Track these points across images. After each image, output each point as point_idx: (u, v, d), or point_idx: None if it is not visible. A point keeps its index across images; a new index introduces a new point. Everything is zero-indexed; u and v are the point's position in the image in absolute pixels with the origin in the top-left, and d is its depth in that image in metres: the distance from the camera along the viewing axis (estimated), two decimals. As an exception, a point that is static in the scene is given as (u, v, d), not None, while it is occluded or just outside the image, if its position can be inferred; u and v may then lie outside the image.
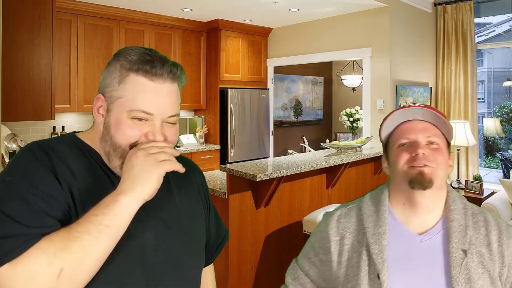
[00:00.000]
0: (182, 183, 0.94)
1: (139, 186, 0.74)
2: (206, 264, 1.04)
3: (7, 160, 2.77)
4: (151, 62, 0.79)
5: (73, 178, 0.76)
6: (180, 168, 0.79)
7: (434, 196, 0.98)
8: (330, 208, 2.86)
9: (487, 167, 7.23)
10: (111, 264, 0.74)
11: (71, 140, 0.85)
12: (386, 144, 1.07)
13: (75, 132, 0.89)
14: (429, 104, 4.94)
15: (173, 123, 0.84)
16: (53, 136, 0.88)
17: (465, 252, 0.93)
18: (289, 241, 2.97)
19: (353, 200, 1.11)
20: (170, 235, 0.85)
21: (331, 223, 1.06)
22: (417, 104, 1.01)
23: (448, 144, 1.02)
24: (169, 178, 0.89)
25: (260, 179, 2.40)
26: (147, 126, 0.80)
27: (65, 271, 0.66)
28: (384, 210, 1.00)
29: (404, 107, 1.02)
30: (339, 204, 3.03)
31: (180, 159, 1.00)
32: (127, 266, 0.77)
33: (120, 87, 0.80)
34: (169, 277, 0.83)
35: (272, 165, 2.77)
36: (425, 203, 0.97)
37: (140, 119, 0.79)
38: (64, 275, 0.66)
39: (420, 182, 0.94)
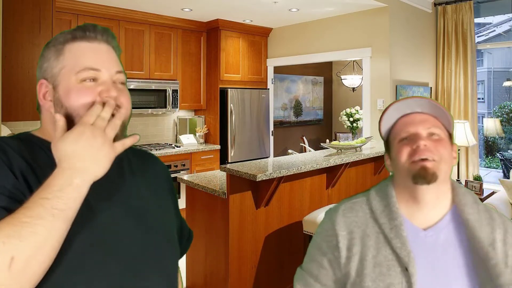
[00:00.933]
0: (148, 174, 0.93)
1: (92, 167, 0.70)
2: None
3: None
4: (83, 28, 0.82)
5: (30, 170, 0.74)
6: (133, 140, 0.77)
7: (438, 191, 0.95)
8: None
9: (487, 167, 7.23)
10: (82, 255, 0.71)
11: (26, 136, 0.83)
12: (387, 141, 1.05)
13: (29, 131, 0.88)
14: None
15: (123, 84, 0.83)
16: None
17: (481, 249, 0.91)
18: (289, 241, 2.97)
19: (356, 195, 1.08)
20: (143, 224, 0.82)
21: (337, 219, 1.02)
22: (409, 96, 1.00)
23: (450, 135, 1.00)
24: (134, 169, 0.88)
25: (260, 179, 2.40)
26: (98, 86, 0.78)
27: (17, 260, 0.60)
28: (394, 202, 0.98)
29: (401, 99, 1.00)
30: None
31: (143, 152, 1.00)
32: (100, 257, 0.74)
33: (60, 60, 0.80)
34: (146, 268, 0.79)
35: (272, 165, 2.77)
36: (430, 199, 0.95)
37: (90, 80, 0.78)
38: (16, 264, 0.60)
39: (423, 176, 0.92)
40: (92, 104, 0.77)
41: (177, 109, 4.95)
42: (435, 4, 5.11)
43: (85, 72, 0.78)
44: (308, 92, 7.21)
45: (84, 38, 0.81)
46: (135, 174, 0.89)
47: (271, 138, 5.67)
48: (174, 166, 4.62)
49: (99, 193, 0.76)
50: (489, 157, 7.44)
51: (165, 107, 4.81)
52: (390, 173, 1.06)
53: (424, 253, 0.93)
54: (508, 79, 6.36)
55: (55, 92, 0.79)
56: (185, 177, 3.03)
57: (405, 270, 0.91)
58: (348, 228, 1.00)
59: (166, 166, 1.03)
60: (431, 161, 0.93)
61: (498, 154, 7.14)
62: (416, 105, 0.99)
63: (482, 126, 6.06)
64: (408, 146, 0.96)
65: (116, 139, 0.76)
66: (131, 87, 4.50)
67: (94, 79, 0.79)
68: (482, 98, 8.33)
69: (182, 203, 4.63)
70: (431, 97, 5.03)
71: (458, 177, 4.67)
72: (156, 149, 4.59)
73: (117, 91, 0.80)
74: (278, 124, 6.58)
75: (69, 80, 0.78)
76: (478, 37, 5.95)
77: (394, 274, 0.92)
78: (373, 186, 1.09)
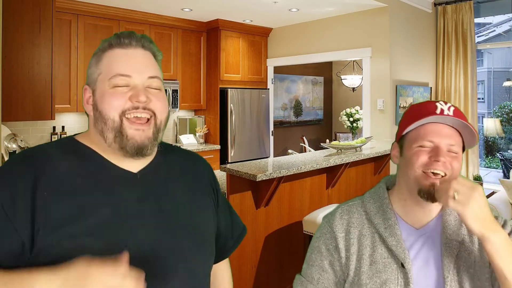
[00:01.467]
0: (187, 175, 0.94)
1: None
2: (221, 259, 1.02)
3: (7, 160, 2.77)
4: (118, 35, 0.85)
5: (30, 193, 0.73)
6: None
7: None
8: (330, 208, 2.86)
9: (487, 167, 7.24)
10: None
11: (66, 143, 0.85)
12: (403, 135, 1.03)
13: (75, 134, 0.89)
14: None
15: (157, 89, 0.84)
16: (53, 139, 0.87)
17: (458, 243, 0.95)
18: (289, 241, 2.97)
19: (352, 199, 1.11)
20: (171, 226, 0.83)
21: (335, 222, 1.05)
22: (447, 106, 0.96)
23: (463, 149, 1.00)
24: (171, 172, 0.90)
25: (260, 179, 2.40)
26: (129, 91, 0.80)
27: None
28: (387, 203, 1.01)
29: (430, 114, 0.96)
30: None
31: (185, 152, 1.02)
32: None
33: (98, 66, 0.83)
34: (169, 270, 0.80)
35: (272, 165, 2.77)
36: (430, 205, 0.97)
37: (122, 86, 0.80)
38: None
39: (431, 195, 0.93)
40: (123, 110, 0.79)
41: (177, 109, 4.95)
42: (435, 4, 5.11)
43: (116, 79, 0.81)
44: (308, 92, 7.21)
45: (119, 45, 0.83)
46: (172, 176, 0.90)
47: (271, 138, 5.67)
48: (174, 166, 4.62)
49: (131, 197, 0.79)
50: (489, 157, 7.44)
51: (165, 107, 4.81)
52: (396, 166, 1.07)
53: (417, 250, 0.97)
54: (508, 79, 6.36)
55: (93, 96, 0.84)
56: (185, 177, 3.03)
57: (401, 266, 0.94)
58: (346, 229, 1.03)
59: (210, 167, 1.03)
60: (442, 177, 0.93)
61: (498, 154, 7.13)
62: (449, 119, 0.96)
63: (482, 126, 6.06)
64: (426, 154, 0.95)
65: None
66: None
67: (126, 85, 0.81)
68: (482, 98, 8.33)
69: (182, 203, 4.63)
70: (431, 97, 5.03)
71: (458, 177, 4.67)
72: (156, 149, 4.59)
73: (149, 96, 0.81)
74: (278, 124, 6.58)
75: (103, 86, 0.81)
76: (478, 37, 5.95)
77: (390, 270, 0.95)
78: (368, 190, 1.11)
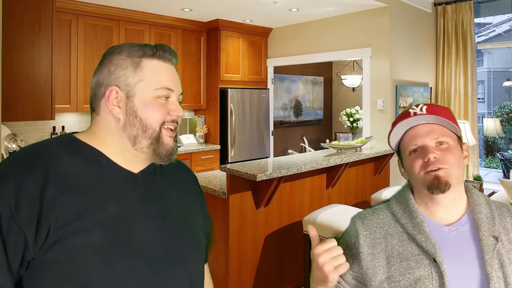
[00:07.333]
0: (178, 179, 0.98)
1: None
2: (204, 262, 1.05)
3: (7, 160, 2.77)
4: (162, 48, 0.88)
5: (60, 193, 0.74)
6: None
7: (454, 194, 1.00)
8: (330, 208, 2.86)
9: (487, 167, 7.24)
10: (111, 250, 0.75)
11: (68, 141, 0.85)
12: (398, 151, 1.10)
13: (74, 132, 0.90)
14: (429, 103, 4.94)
15: (180, 102, 0.92)
16: (52, 136, 0.87)
17: (496, 238, 0.95)
18: (289, 241, 2.97)
19: (378, 203, 1.14)
20: (170, 227, 0.87)
21: (358, 222, 1.08)
22: (419, 108, 1.02)
23: (459, 137, 1.03)
24: (165, 177, 0.93)
25: (260, 179, 2.40)
26: (168, 104, 0.87)
27: None
28: (413, 203, 1.03)
29: (403, 118, 1.03)
30: (339, 204, 3.02)
31: (175, 161, 1.02)
32: (127, 253, 0.78)
33: (138, 72, 0.85)
34: (168, 269, 0.83)
35: (272, 165, 2.77)
36: (448, 201, 1.00)
37: (163, 98, 0.86)
38: None
39: (437, 187, 0.96)
40: (163, 121, 0.86)
41: (177, 109, 4.95)
42: (435, 4, 5.11)
43: (162, 91, 0.86)
44: (308, 92, 7.21)
45: (161, 58, 0.88)
46: (167, 179, 0.94)
47: (271, 138, 5.67)
48: (174, 166, 4.62)
49: (134, 197, 0.82)
50: (489, 157, 7.44)
51: (165, 107, 4.81)
52: (406, 180, 1.11)
53: (448, 245, 0.97)
54: (508, 79, 6.36)
55: (128, 101, 0.85)
56: (185, 177, 3.03)
57: (433, 261, 0.95)
58: (370, 228, 1.05)
59: (194, 174, 1.09)
60: (443, 169, 0.97)
61: (498, 154, 7.13)
62: (420, 118, 1.02)
63: (482, 126, 6.06)
64: (419, 158, 1.00)
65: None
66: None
67: (166, 98, 0.87)
68: (482, 98, 8.32)
69: (182, 203, 4.63)
70: (431, 97, 5.03)
71: (458, 177, 4.67)
72: (156, 149, 4.59)
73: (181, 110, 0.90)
74: (278, 124, 6.58)
75: (146, 94, 0.85)
76: (478, 37, 5.95)
77: (422, 267, 0.96)
78: (371, 191, 1.13)
